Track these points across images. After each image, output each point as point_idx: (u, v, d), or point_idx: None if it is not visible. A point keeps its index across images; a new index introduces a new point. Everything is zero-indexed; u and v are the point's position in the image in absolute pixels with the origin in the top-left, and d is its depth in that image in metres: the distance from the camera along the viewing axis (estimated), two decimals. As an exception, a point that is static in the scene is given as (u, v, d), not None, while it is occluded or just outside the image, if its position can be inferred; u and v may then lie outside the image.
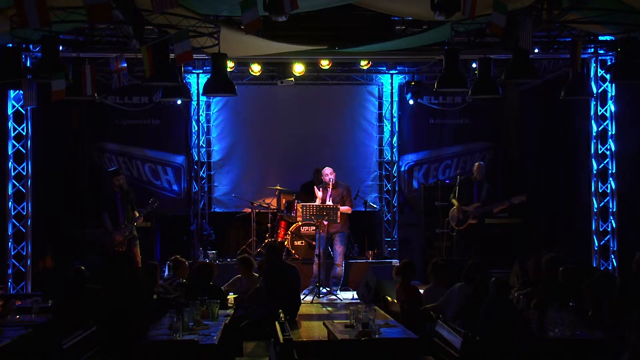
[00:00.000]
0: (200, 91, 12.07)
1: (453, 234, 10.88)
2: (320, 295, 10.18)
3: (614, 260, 10.38)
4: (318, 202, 10.61)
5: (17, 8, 5.82)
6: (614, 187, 10.45)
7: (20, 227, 10.14)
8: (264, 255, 9.13)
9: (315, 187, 10.99)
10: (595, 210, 10.53)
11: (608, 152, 10.52)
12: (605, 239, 10.51)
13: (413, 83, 12.62)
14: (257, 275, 8.78)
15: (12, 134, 10.13)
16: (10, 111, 10.13)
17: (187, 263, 8.57)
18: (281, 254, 8.95)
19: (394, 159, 12.93)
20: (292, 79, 11.80)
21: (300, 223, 11.40)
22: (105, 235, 10.17)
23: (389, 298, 8.19)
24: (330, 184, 10.55)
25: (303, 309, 9.31)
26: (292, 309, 8.55)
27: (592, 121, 10.56)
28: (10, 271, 10.04)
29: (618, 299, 5.81)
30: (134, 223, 10.25)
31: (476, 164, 10.97)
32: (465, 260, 8.37)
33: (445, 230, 11.18)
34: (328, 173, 10.63)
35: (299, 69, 11.39)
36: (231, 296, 8.44)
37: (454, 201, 10.77)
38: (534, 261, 7.56)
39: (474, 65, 10.68)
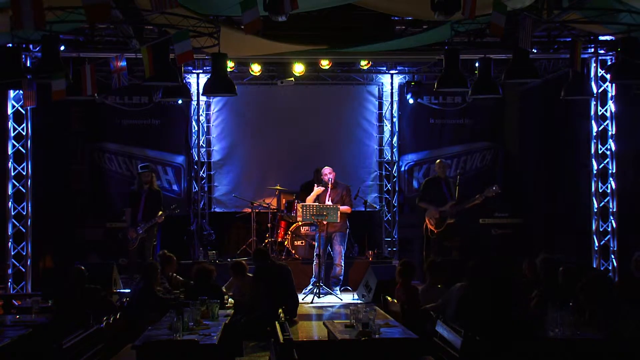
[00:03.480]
0: (200, 91, 12.07)
1: (432, 237, 10.58)
2: (320, 295, 10.18)
3: (614, 260, 10.37)
4: (313, 196, 10.59)
5: (13, 9, 5.82)
6: (614, 187, 10.45)
7: (20, 227, 10.14)
8: (252, 261, 9.16)
9: (315, 185, 10.90)
10: (595, 210, 10.53)
11: (608, 152, 10.51)
12: (605, 239, 10.50)
13: (413, 83, 12.64)
14: (250, 275, 8.79)
15: (12, 134, 10.13)
16: (10, 111, 10.13)
17: (175, 258, 8.62)
18: (267, 256, 8.94)
19: (394, 159, 12.93)
20: (292, 79, 11.80)
21: (300, 223, 11.40)
22: (125, 231, 10.39)
23: (389, 298, 8.18)
24: (330, 183, 10.55)
25: (303, 309, 9.31)
26: (291, 308, 8.55)
27: (592, 121, 10.56)
28: (10, 271, 10.05)
29: (617, 299, 5.79)
30: (152, 223, 10.30)
31: (437, 161, 10.84)
32: (449, 260, 8.33)
33: (427, 233, 10.87)
34: (327, 173, 10.63)
35: (299, 69, 11.39)
36: (230, 300, 8.44)
37: (422, 205, 10.63)
38: (529, 261, 7.56)
39: (474, 65, 10.67)
